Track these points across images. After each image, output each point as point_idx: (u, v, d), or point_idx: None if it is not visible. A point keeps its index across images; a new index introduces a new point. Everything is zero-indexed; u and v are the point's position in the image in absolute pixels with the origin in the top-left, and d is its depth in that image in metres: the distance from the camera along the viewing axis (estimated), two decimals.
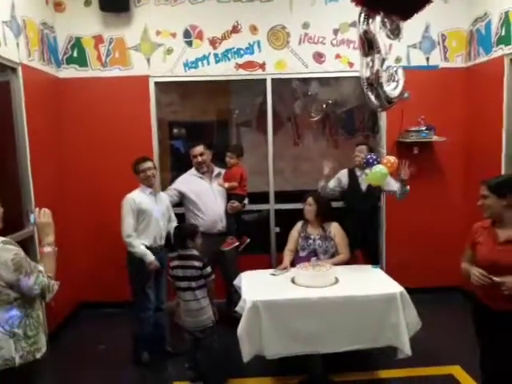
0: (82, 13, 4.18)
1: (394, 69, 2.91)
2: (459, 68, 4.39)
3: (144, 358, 3.39)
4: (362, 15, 2.72)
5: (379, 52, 2.72)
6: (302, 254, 3.49)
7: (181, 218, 3.80)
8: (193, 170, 3.85)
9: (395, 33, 2.87)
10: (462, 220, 4.47)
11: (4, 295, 1.78)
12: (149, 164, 3.38)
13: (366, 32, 2.68)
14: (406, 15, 1.76)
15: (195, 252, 2.92)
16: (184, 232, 3.01)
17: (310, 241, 3.49)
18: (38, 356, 1.90)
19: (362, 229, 3.76)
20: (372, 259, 3.78)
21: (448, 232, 4.49)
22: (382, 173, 3.13)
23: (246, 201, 3.88)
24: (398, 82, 2.86)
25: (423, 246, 4.46)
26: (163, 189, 3.98)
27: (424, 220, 4.46)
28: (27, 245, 3.44)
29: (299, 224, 3.62)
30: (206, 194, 3.75)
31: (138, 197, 3.30)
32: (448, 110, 4.37)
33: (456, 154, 4.43)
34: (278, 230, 4.50)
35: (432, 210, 4.48)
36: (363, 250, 3.89)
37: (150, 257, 3.21)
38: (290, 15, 4.28)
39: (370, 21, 2.71)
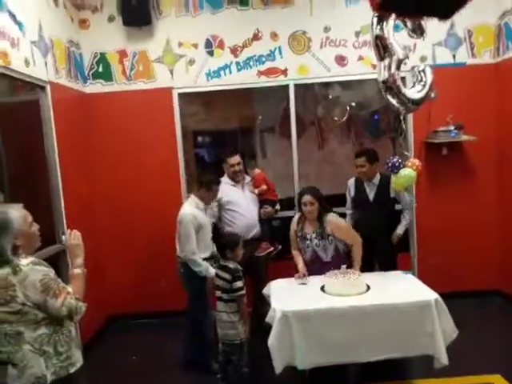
0: (105, 29, 4.28)
1: (421, 68, 2.84)
2: (488, 64, 4.26)
3: (214, 366, 3.25)
4: (375, 19, 2.68)
5: (394, 55, 2.67)
6: (306, 255, 3.36)
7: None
8: (225, 178, 3.88)
9: (418, 32, 2.82)
10: (496, 221, 4.35)
11: (32, 315, 1.79)
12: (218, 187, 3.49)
13: (378, 36, 2.63)
14: (446, 15, 1.70)
15: (231, 264, 2.90)
16: (225, 242, 3.01)
17: (307, 242, 3.33)
18: (72, 370, 1.91)
19: (373, 238, 3.57)
20: (389, 267, 3.55)
21: (483, 233, 4.36)
22: (411, 176, 3.04)
23: (277, 206, 3.94)
24: (424, 83, 2.79)
25: (457, 248, 4.32)
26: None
27: (457, 222, 4.34)
28: (59, 259, 3.53)
29: (294, 222, 3.43)
30: (240, 202, 3.81)
31: (196, 212, 3.32)
32: (477, 107, 4.24)
33: (487, 153, 4.29)
34: None
35: (465, 212, 4.35)
36: (377, 259, 3.72)
37: (213, 271, 3.19)
38: (311, 20, 4.25)
39: (384, 24, 2.67)
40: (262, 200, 3.87)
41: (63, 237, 2.07)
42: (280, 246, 3.81)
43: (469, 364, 3.11)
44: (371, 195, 3.70)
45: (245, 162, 3.96)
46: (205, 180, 3.44)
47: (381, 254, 3.69)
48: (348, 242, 3.33)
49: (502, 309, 4.21)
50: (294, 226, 3.44)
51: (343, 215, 3.88)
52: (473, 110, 4.22)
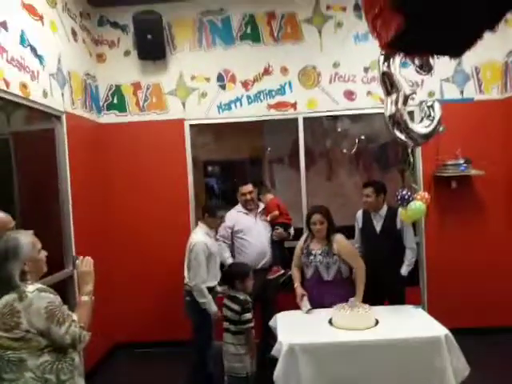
0: (121, 62, 4.44)
1: (429, 103, 2.89)
2: (495, 100, 4.31)
3: None
4: (382, 56, 2.76)
5: (400, 91, 2.72)
6: (307, 273, 3.35)
7: None
8: (239, 207, 3.94)
9: (426, 69, 2.88)
10: (506, 256, 4.27)
11: (35, 342, 1.78)
12: (224, 213, 3.52)
13: (385, 73, 2.70)
14: (457, 54, 1.73)
15: (240, 295, 2.88)
16: (235, 272, 3.00)
17: (312, 257, 3.31)
18: None
19: (380, 270, 3.45)
20: (396, 301, 3.47)
21: (492, 269, 4.29)
22: (421, 209, 3.04)
23: (291, 230, 3.97)
24: (432, 118, 2.83)
25: (468, 283, 4.26)
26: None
27: (467, 256, 4.28)
28: (66, 285, 3.55)
29: (302, 239, 3.47)
30: (253, 230, 3.84)
31: (207, 240, 3.34)
32: (485, 142, 4.26)
33: (496, 188, 4.27)
34: None
35: (475, 246, 4.30)
36: (385, 292, 3.61)
37: (215, 307, 3.21)
38: (321, 55, 4.37)
39: (391, 61, 2.75)
40: (274, 224, 3.89)
41: (77, 262, 2.06)
42: (290, 272, 3.78)
43: None
44: (378, 227, 3.67)
45: (258, 190, 3.99)
46: (207, 206, 3.50)
47: (388, 287, 3.61)
48: (352, 264, 3.31)
49: None
50: (300, 243, 3.46)
51: None
52: (481, 144, 4.24)
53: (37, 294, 1.80)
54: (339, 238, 3.33)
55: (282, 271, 3.79)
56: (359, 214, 3.85)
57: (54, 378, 1.83)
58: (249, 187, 3.87)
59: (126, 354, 4.30)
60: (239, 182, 4.01)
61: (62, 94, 3.69)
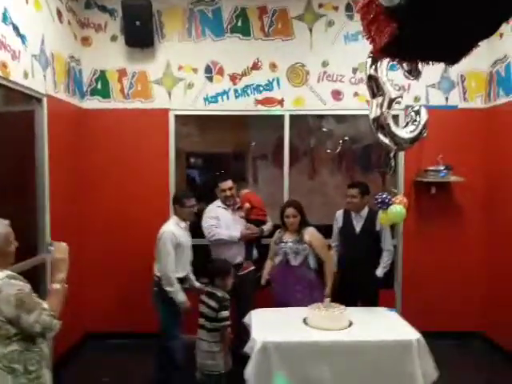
0: (107, 47, 4.33)
1: (416, 108, 2.91)
2: (479, 108, 4.37)
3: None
4: (369, 59, 2.77)
5: (386, 94, 2.75)
6: (276, 259, 3.56)
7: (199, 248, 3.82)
8: (218, 202, 3.92)
9: (414, 73, 2.90)
10: (482, 263, 4.36)
11: (3, 330, 1.74)
12: (194, 201, 3.47)
13: (371, 75, 2.72)
14: (453, 61, 1.74)
15: (219, 292, 2.84)
16: (216, 269, 2.95)
17: (282, 244, 3.50)
18: None
19: (357, 270, 3.56)
20: (370, 302, 3.54)
21: (468, 274, 4.38)
22: (402, 213, 3.06)
23: (265, 227, 3.96)
24: (418, 123, 2.85)
25: (442, 288, 4.33)
26: None
27: (443, 262, 4.36)
28: (39, 271, 3.47)
29: (276, 233, 3.66)
30: (231, 226, 3.84)
31: (176, 230, 3.32)
32: (467, 150, 4.33)
33: (475, 194, 4.35)
34: None
35: (451, 251, 4.37)
36: (360, 292, 3.66)
37: (183, 297, 3.21)
38: (310, 54, 4.36)
39: (378, 64, 2.76)
40: (249, 221, 3.91)
41: (51, 248, 1.99)
42: (253, 267, 3.82)
43: None
44: (358, 227, 3.71)
45: (237, 186, 3.97)
46: (176, 197, 3.45)
47: (363, 288, 3.65)
48: (322, 255, 3.50)
49: (483, 352, 4.19)
50: (275, 236, 3.67)
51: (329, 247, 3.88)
52: (463, 151, 4.30)
53: (6, 281, 1.76)
54: (311, 230, 3.54)
55: (253, 267, 3.81)
56: (339, 213, 3.88)
57: (21, 368, 1.80)
58: (228, 183, 3.84)
59: (98, 345, 4.23)
60: (222, 175, 4.02)
61: (44, 76, 3.58)
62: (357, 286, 3.59)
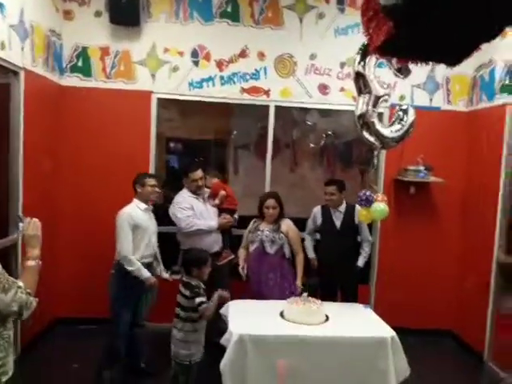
0: (90, 23, 4.16)
1: (404, 107, 2.92)
2: (461, 112, 4.44)
3: (105, 375, 3.27)
4: (358, 55, 2.77)
5: (370, 92, 2.76)
6: (252, 247, 3.59)
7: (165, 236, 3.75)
8: (187, 192, 3.81)
9: (404, 72, 2.90)
10: (455, 263, 4.47)
11: None
12: (155, 181, 3.40)
13: (359, 72, 2.72)
14: (454, 62, 1.72)
15: (193, 281, 2.78)
16: (192, 258, 2.89)
17: (259, 232, 3.55)
18: (4, 380, 1.79)
19: (339, 265, 3.65)
20: (351, 297, 3.64)
21: (441, 274, 4.47)
22: (386, 211, 3.08)
23: (236, 215, 3.96)
24: (404, 123, 2.86)
25: (416, 286, 4.41)
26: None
27: (418, 260, 4.43)
28: (10, 253, 3.34)
29: (251, 222, 3.69)
30: (204, 215, 3.78)
31: (134, 212, 3.26)
32: (448, 152, 4.39)
33: (453, 196, 4.43)
34: None
35: (426, 251, 4.45)
36: (341, 287, 3.78)
37: (147, 273, 3.21)
38: (299, 45, 4.31)
39: (367, 61, 2.76)
40: (221, 210, 3.88)
41: (21, 224, 1.89)
42: (233, 256, 3.80)
43: None
44: (338, 223, 3.76)
45: (205, 176, 3.88)
46: (136, 179, 3.36)
47: (344, 282, 3.76)
48: (295, 247, 3.60)
49: (453, 350, 4.31)
50: (250, 225, 3.69)
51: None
52: (443, 153, 4.36)
53: None
54: (288, 221, 3.63)
55: (232, 256, 3.80)
56: (317, 210, 3.89)
57: None
58: (199, 173, 3.76)
59: (67, 330, 4.12)
60: (191, 166, 3.86)
61: (22, 49, 3.41)
62: (338, 279, 3.69)
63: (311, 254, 3.87)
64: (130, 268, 3.16)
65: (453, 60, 1.69)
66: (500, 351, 3.83)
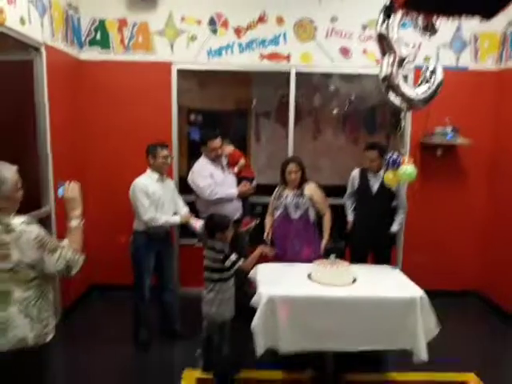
0: None
1: (432, 67, 2.83)
2: (490, 70, 4.27)
3: (142, 336, 3.44)
4: (381, 15, 2.68)
5: (396, 52, 2.68)
6: (276, 213, 3.60)
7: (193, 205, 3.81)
8: (205, 160, 3.79)
9: (430, 30, 2.80)
10: (482, 225, 4.41)
11: (23, 273, 1.78)
12: (167, 151, 3.41)
13: (382, 33, 2.65)
14: (488, 15, 1.63)
15: (218, 244, 2.85)
16: (216, 223, 2.93)
17: (282, 198, 3.54)
18: (48, 339, 1.90)
19: (373, 230, 3.67)
20: (383, 260, 3.65)
21: (468, 236, 4.43)
22: (414, 173, 3.04)
23: (254, 183, 3.99)
24: (431, 84, 2.79)
25: (442, 248, 4.40)
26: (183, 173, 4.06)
27: (445, 223, 4.40)
28: (44, 223, 3.45)
29: (276, 188, 3.66)
30: (224, 183, 3.79)
31: (146, 182, 3.32)
32: (476, 113, 4.27)
33: (481, 158, 4.33)
34: None
35: (453, 214, 4.41)
36: (373, 251, 3.79)
37: (176, 218, 3.39)
38: (319, 8, 4.19)
39: (390, 20, 2.67)
40: (240, 178, 3.91)
41: (61, 188, 2.01)
42: (258, 220, 3.80)
43: (446, 361, 3.14)
44: (375, 187, 3.70)
45: (242, 145, 3.94)
46: (148, 149, 3.38)
47: (377, 246, 3.75)
48: (321, 208, 3.56)
49: (480, 310, 4.31)
50: (275, 192, 3.67)
51: (336, 207, 3.88)
52: (471, 114, 4.24)
53: (24, 227, 1.78)
54: (312, 185, 3.57)
55: (253, 222, 3.82)
56: (356, 172, 3.83)
57: (35, 314, 1.83)
58: (218, 142, 3.73)
59: (102, 296, 4.31)
60: (210, 135, 3.80)
61: (42, 24, 3.43)
62: (370, 243, 3.70)
63: (350, 217, 3.87)
64: (159, 224, 3.26)
65: (488, 11, 1.59)
66: None
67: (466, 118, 4.20)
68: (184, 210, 3.55)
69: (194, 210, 3.81)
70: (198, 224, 3.43)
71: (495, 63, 4.27)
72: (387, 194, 3.64)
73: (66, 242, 1.90)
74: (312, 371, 3.02)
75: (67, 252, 1.84)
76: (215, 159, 3.77)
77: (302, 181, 3.54)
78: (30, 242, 1.76)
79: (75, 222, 1.96)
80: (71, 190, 2.00)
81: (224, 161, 3.90)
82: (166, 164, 3.40)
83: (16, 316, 1.77)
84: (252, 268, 3.03)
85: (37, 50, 3.41)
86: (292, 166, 3.50)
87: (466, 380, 3.05)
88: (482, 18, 1.63)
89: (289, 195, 3.52)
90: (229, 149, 3.98)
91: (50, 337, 1.90)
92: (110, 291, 4.31)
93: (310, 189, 3.54)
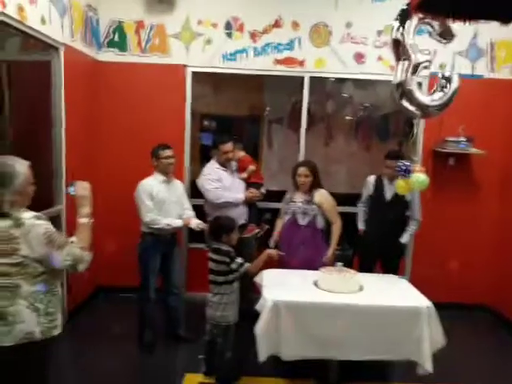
0: None
1: (447, 74, 2.81)
2: (506, 79, 4.22)
3: (147, 337, 3.46)
4: (397, 21, 2.67)
5: (408, 59, 2.67)
6: (285, 218, 3.58)
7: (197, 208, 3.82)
8: (215, 163, 3.83)
9: (448, 36, 2.78)
10: (494, 237, 4.34)
11: (31, 268, 1.81)
12: (171, 152, 3.42)
13: (397, 39, 2.64)
14: (508, 19, 1.58)
15: (224, 246, 2.86)
16: (221, 225, 2.95)
17: (291, 203, 3.52)
18: (55, 334, 1.92)
19: (383, 238, 3.62)
20: (391, 270, 3.61)
21: (479, 248, 4.36)
22: (426, 181, 3.01)
23: (263, 189, 3.99)
24: (446, 91, 2.76)
25: (452, 260, 4.32)
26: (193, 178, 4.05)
27: (455, 234, 4.34)
28: (55, 222, 3.50)
29: (288, 193, 3.65)
30: (232, 187, 3.82)
31: (152, 183, 3.35)
32: (490, 122, 4.21)
33: (494, 169, 4.27)
34: None
35: (464, 224, 4.34)
36: (382, 260, 3.75)
37: (178, 221, 3.36)
38: (334, 13, 4.19)
39: (406, 26, 2.66)
40: (248, 183, 3.92)
41: (71, 188, 2.06)
42: (267, 226, 3.77)
43: (451, 373, 3.11)
44: (389, 195, 3.67)
45: (255, 151, 3.97)
46: (152, 151, 3.40)
47: (385, 255, 3.71)
48: (331, 217, 3.51)
49: (489, 324, 4.24)
50: (286, 195, 3.67)
51: (346, 215, 3.85)
52: (485, 124, 4.19)
53: (34, 222, 1.82)
54: (322, 191, 3.52)
55: (257, 230, 3.79)
56: (371, 179, 3.81)
57: (43, 309, 1.86)
58: (230, 146, 3.77)
59: (109, 297, 4.34)
60: (222, 139, 3.85)
61: (62, 24, 3.49)
62: (379, 251, 3.67)
63: (361, 226, 3.84)
64: (160, 227, 3.27)
65: (507, 15, 1.55)
66: None
67: (480, 128, 4.15)
68: (188, 213, 3.53)
69: (202, 213, 3.83)
70: (195, 222, 3.42)
71: (511, 72, 4.21)
72: (401, 202, 3.60)
73: (74, 238, 1.94)
74: (315, 380, 3.00)
75: (75, 249, 1.87)
76: (225, 163, 3.81)
77: (314, 186, 3.51)
78: (39, 237, 1.79)
79: (84, 220, 2.00)
80: (82, 188, 2.04)
81: (234, 166, 3.93)
82: (170, 164, 3.41)
83: (23, 310, 1.81)
84: (258, 271, 3.03)
85: (56, 49, 3.47)
86: (302, 170, 3.48)
87: None
88: (501, 22, 1.58)
89: (298, 201, 3.50)
90: (240, 154, 4.00)
91: (56, 332, 1.93)
92: (116, 293, 4.33)
93: (321, 196, 3.50)
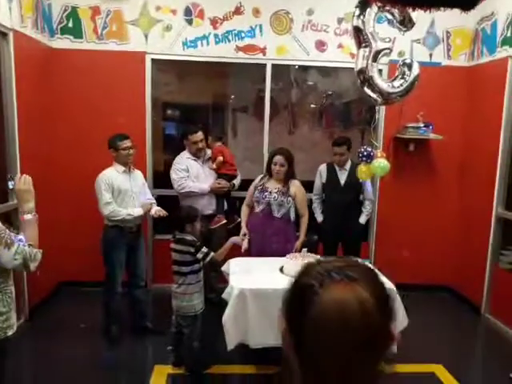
0: None
1: (408, 61, 2.86)
2: (462, 67, 4.34)
3: (113, 331, 3.39)
4: (357, 8, 2.69)
5: (369, 46, 2.70)
6: (257, 208, 3.49)
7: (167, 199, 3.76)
8: (186, 153, 3.87)
9: (407, 24, 2.82)
10: (454, 220, 4.48)
11: None
12: (130, 142, 3.34)
13: (358, 26, 2.67)
14: (469, 5, 1.61)
15: (188, 236, 2.82)
16: (184, 215, 2.91)
17: (266, 193, 3.43)
18: (10, 333, 1.84)
19: (341, 222, 3.74)
20: (352, 252, 3.69)
21: (440, 230, 4.50)
22: (387, 166, 3.08)
23: (236, 181, 3.96)
24: (407, 78, 2.81)
25: (413, 242, 4.46)
26: (163, 169, 4.07)
27: (417, 217, 4.46)
28: (12, 217, 3.36)
29: (258, 177, 3.58)
30: (200, 177, 3.84)
31: (112, 174, 3.27)
32: (448, 108, 4.33)
33: (452, 153, 4.40)
34: None
35: (425, 208, 4.47)
36: (343, 243, 3.85)
37: (138, 210, 3.28)
38: (296, 0, 4.17)
39: (366, 14, 2.69)
40: (220, 174, 3.88)
41: (10, 182, 1.95)
42: (239, 219, 3.73)
43: (414, 353, 3.20)
44: (342, 180, 3.79)
45: (207, 138, 3.92)
46: (109, 142, 3.32)
47: (346, 239, 3.82)
48: (301, 209, 3.51)
49: (451, 304, 4.40)
50: (256, 181, 3.57)
51: (311, 202, 3.93)
52: (443, 110, 4.30)
53: None
54: (297, 183, 3.49)
55: (225, 221, 3.80)
56: (323, 167, 3.90)
57: None
58: (200, 135, 3.78)
59: (71, 293, 4.20)
60: (191, 127, 3.88)
61: (10, 9, 3.31)
62: (340, 235, 3.78)
63: (319, 218, 3.89)
64: (117, 217, 3.20)
65: (468, 2, 1.58)
66: (497, 304, 3.90)
67: (439, 114, 4.26)
68: (150, 202, 3.48)
69: (166, 203, 3.76)
70: (155, 209, 3.38)
71: (467, 59, 4.34)
72: (355, 186, 3.71)
73: (21, 236, 1.83)
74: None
75: (24, 247, 1.77)
76: (197, 153, 3.81)
77: (288, 176, 3.44)
78: None
79: (29, 216, 1.88)
80: (24, 181, 1.90)
81: (207, 156, 3.91)
82: (130, 155, 3.32)
83: None
84: (224, 260, 3.01)
85: (4, 35, 3.30)
86: (278, 158, 3.39)
87: (434, 371, 3.10)
88: (462, 9, 1.62)
89: (273, 191, 3.42)
90: (216, 144, 3.95)
91: (10, 332, 1.85)
92: (79, 287, 4.21)
93: (296, 188, 3.46)
